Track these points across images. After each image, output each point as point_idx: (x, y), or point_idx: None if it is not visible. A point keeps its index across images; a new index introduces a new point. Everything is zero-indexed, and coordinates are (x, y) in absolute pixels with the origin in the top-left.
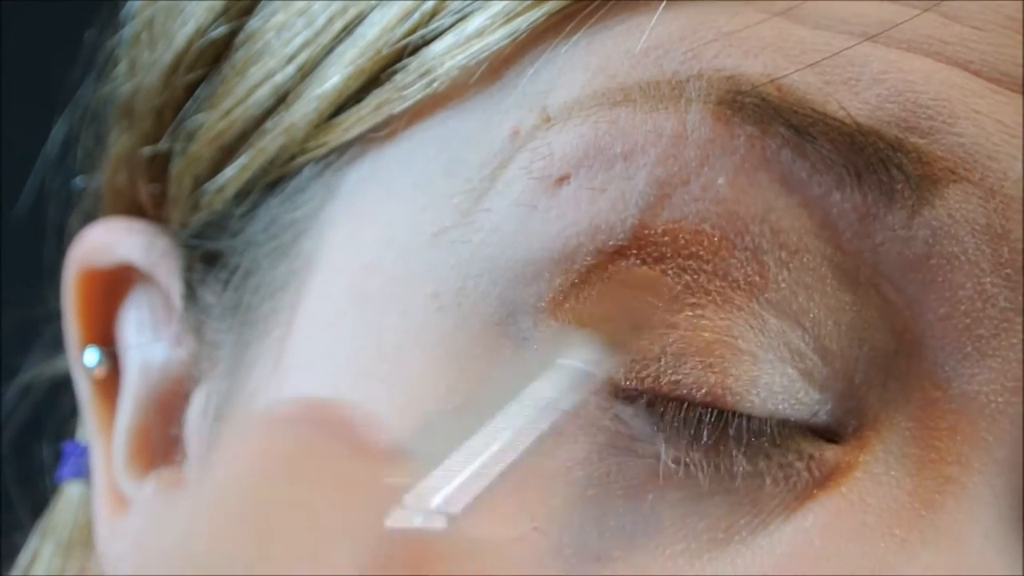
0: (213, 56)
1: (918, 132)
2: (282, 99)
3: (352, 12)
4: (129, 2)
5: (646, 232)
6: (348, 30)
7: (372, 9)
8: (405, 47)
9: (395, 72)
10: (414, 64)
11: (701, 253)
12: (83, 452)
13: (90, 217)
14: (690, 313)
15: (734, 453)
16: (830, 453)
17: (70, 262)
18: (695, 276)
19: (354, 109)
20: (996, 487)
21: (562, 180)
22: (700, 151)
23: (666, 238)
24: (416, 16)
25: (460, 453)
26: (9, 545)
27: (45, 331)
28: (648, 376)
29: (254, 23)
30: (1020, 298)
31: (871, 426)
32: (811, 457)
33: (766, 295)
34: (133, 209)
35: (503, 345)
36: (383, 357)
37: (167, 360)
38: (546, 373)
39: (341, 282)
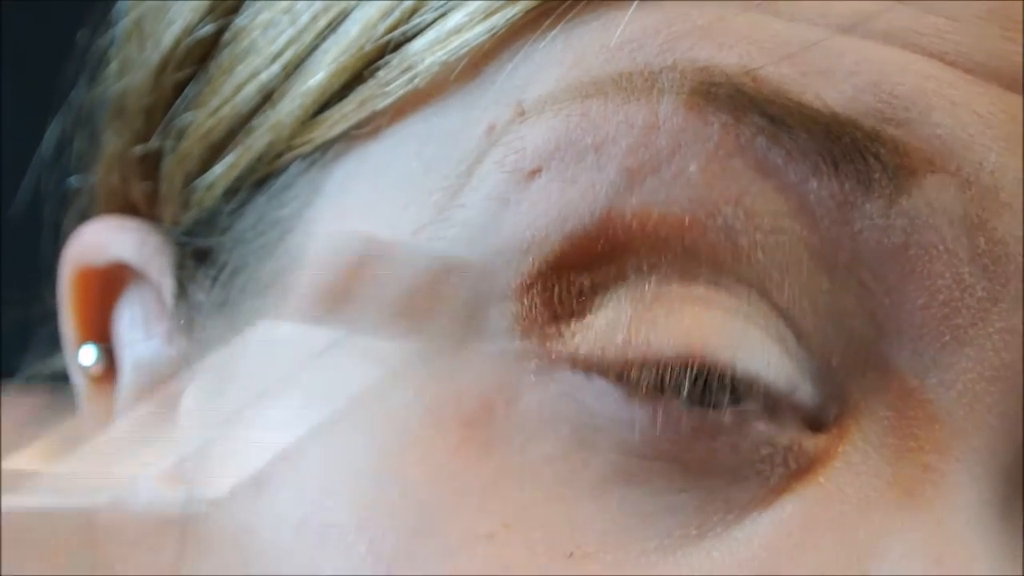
0: (200, 55)
1: (894, 122)
2: (268, 97)
3: (335, 10)
4: (120, 1)
5: (614, 218)
6: (332, 27)
7: (355, 7)
8: (387, 44)
9: (378, 69)
10: (396, 60)
11: (670, 234)
12: None
13: (85, 216)
14: (656, 287)
15: (711, 442)
16: (811, 443)
17: (65, 261)
18: (664, 254)
19: (338, 106)
20: (976, 474)
21: (534, 173)
22: (672, 139)
23: (635, 223)
24: (397, 13)
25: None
26: None
27: (41, 331)
28: (615, 349)
29: (240, 21)
30: (997, 288)
31: (851, 414)
32: (789, 449)
33: (739, 271)
34: (127, 208)
35: (469, 337)
36: (355, 354)
37: (158, 358)
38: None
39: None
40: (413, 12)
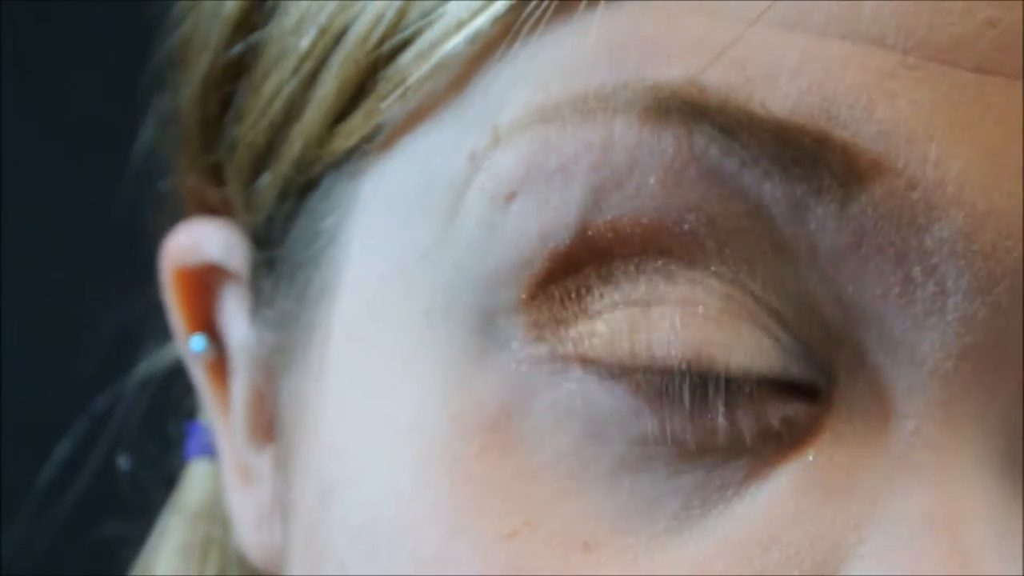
0: (234, 74)
1: (840, 123)
2: (293, 108)
3: (338, 23)
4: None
5: (589, 232)
6: (336, 40)
7: (353, 20)
8: (379, 57)
9: (377, 81)
10: (390, 73)
11: (645, 238)
12: (204, 432)
13: (180, 217)
14: (647, 288)
15: (710, 424)
16: (800, 418)
17: (164, 262)
18: (644, 256)
19: (350, 117)
20: (965, 435)
21: (510, 197)
22: (628, 156)
23: (609, 234)
24: (383, 26)
25: None
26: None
27: (155, 323)
28: (618, 348)
29: (262, 35)
30: (948, 283)
31: (835, 388)
32: (781, 424)
33: (715, 267)
34: (210, 210)
35: (488, 348)
36: (394, 371)
37: (257, 347)
38: None
39: (358, 296)
40: (398, 23)
